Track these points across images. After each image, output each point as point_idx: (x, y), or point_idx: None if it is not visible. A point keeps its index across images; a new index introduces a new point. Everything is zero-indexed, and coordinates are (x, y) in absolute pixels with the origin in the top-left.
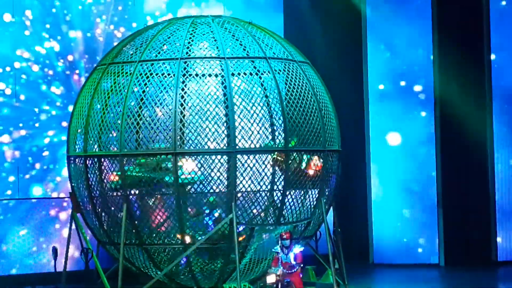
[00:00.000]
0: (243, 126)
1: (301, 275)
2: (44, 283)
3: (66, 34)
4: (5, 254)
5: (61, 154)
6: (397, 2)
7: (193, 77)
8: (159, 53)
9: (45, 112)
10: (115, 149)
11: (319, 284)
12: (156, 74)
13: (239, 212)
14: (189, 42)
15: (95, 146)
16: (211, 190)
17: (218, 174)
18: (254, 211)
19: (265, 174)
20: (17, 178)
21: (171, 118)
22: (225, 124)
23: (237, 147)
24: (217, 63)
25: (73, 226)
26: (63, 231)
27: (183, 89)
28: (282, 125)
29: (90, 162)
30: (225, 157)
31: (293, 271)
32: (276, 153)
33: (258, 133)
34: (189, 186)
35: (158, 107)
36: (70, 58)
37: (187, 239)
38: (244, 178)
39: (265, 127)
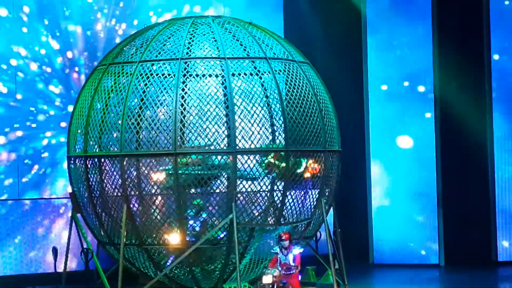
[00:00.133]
0: (244, 127)
1: (300, 277)
2: (44, 283)
3: (65, 30)
4: (5, 254)
5: (59, 157)
6: (397, 2)
7: (194, 77)
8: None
9: (42, 112)
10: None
11: (319, 284)
12: (157, 75)
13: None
14: (189, 43)
15: (96, 147)
16: (211, 191)
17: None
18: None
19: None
20: (18, 180)
21: (171, 118)
22: (225, 124)
23: (238, 147)
24: (218, 63)
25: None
26: (63, 231)
27: (183, 89)
28: (283, 125)
29: (90, 162)
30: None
31: (291, 272)
32: (269, 156)
33: (259, 133)
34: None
35: (158, 107)
36: (69, 55)
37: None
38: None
39: (265, 128)
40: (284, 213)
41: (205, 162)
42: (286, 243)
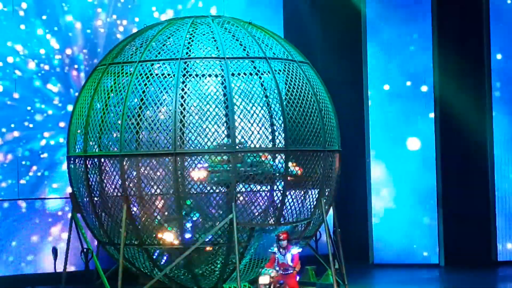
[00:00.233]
0: (243, 126)
1: (298, 278)
2: (44, 283)
3: (64, 25)
4: (5, 255)
5: (58, 158)
6: (397, 2)
7: (193, 77)
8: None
9: (40, 112)
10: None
11: (319, 284)
12: (156, 75)
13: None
14: (189, 43)
15: (95, 147)
16: (211, 191)
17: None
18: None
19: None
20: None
21: (171, 118)
22: (225, 124)
23: (237, 147)
24: (217, 63)
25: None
26: (62, 231)
27: (183, 89)
28: (282, 125)
29: (90, 162)
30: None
31: (288, 272)
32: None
33: (258, 133)
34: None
35: (158, 107)
36: (68, 52)
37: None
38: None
39: (265, 127)
40: (284, 213)
41: (241, 160)
42: (284, 243)
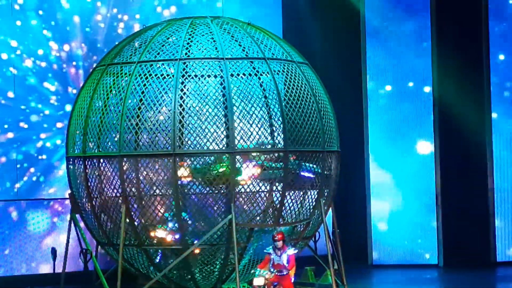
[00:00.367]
0: (242, 127)
1: (292, 280)
2: (43, 284)
3: (62, 20)
4: (4, 255)
5: (56, 160)
6: (396, 2)
7: (192, 78)
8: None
9: (36, 112)
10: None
11: (318, 284)
12: (156, 75)
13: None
14: (188, 43)
15: (94, 147)
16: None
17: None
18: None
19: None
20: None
21: (170, 119)
22: (224, 125)
23: (236, 148)
24: (216, 63)
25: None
26: (62, 232)
27: (182, 90)
28: (281, 125)
29: (89, 163)
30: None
31: (283, 274)
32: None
33: (257, 134)
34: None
35: (157, 108)
36: (66, 48)
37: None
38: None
39: (264, 128)
40: (283, 213)
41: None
42: (279, 243)
